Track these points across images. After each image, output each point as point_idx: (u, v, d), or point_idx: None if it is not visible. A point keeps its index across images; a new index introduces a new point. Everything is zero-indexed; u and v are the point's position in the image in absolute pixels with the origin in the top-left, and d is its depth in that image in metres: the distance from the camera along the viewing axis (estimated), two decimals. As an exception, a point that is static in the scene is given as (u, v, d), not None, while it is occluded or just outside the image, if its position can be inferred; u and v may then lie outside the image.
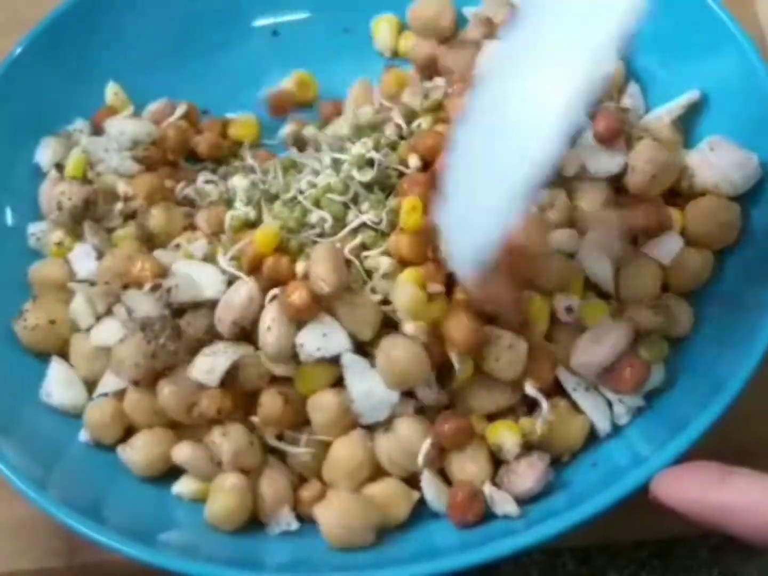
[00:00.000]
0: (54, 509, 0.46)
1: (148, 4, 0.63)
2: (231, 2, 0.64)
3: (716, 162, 0.52)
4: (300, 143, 0.59)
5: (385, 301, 0.48)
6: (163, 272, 0.51)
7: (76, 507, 0.46)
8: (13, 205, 0.58)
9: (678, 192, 0.53)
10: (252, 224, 0.52)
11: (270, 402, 0.48)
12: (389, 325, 0.48)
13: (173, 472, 0.50)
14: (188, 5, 0.63)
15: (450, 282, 0.48)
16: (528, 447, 0.47)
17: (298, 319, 0.47)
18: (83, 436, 0.51)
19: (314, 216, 0.50)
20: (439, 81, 0.57)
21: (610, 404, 0.49)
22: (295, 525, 0.48)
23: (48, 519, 0.46)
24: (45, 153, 0.59)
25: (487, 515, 0.46)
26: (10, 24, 0.64)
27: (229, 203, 0.54)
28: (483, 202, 0.41)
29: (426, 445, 0.47)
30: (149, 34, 0.62)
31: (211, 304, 0.49)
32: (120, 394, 0.51)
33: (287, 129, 0.60)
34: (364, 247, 0.50)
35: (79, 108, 0.61)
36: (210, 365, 0.48)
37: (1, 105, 0.59)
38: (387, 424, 0.48)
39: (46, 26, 0.61)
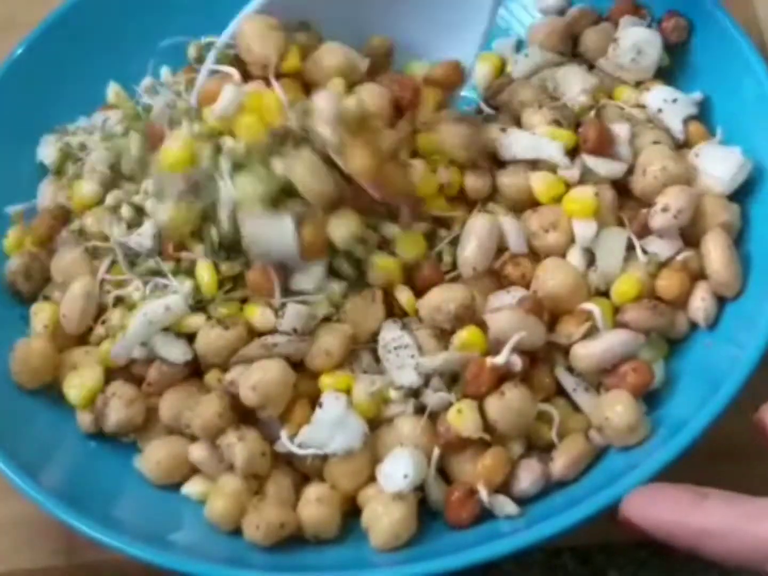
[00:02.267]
0: (56, 509, 0.46)
1: (149, 4, 0.63)
2: (230, 3, 0.64)
3: (703, 166, 0.52)
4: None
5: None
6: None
7: (79, 506, 0.46)
8: (17, 203, 0.58)
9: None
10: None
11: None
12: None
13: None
14: (189, 6, 0.63)
15: None
16: (530, 447, 0.48)
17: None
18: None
19: None
20: None
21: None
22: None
23: (48, 517, 0.46)
24: (47, 151, 0.59)
25: (488, 514, 0.46)
26: (8, 24, 0.64)
27: None
28: None
29: (436, 454, 0.47)
30: (150, 33, 0.62)
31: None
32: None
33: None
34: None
35: (83, 107, 0.61)
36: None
37: (3, 104, 0.59)
38: (388, 423, 0.48)
39: (48, 26, 0.61)
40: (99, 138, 0.57)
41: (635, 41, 0.55)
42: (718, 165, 0.51)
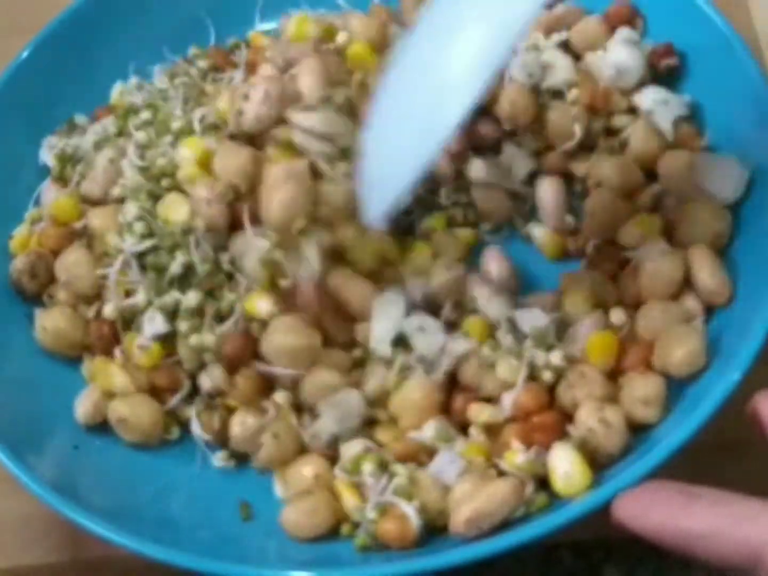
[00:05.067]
0: (58, 504, 0.46)
1: (154, 8, 0.63)
2: (235, 5, 0.64)
3: (700, 179, 0.52)
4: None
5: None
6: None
7: (82, 502, 0.47)
8: (23, 205, 0.59)
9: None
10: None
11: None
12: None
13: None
14: (193, 9, 0.63)
15: None
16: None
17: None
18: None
19: None
20: None
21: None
22: None
23: (52, 514, 0.46)
24: (49, 153, 0.59)
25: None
26: (11, 27, 0.65)
27: None
28: (399, 151, 0.44)
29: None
30: (155, 37, 0.63)
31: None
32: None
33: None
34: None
35: (89, 110, 0.62)
36: None
37: (10, 106, 0.59)
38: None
39: (53, 29, 0.61)
40: (93, 141, 0.57)
41: (617, 63, 0.56)
42: (717, 179, 0.52)
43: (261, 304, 0.50)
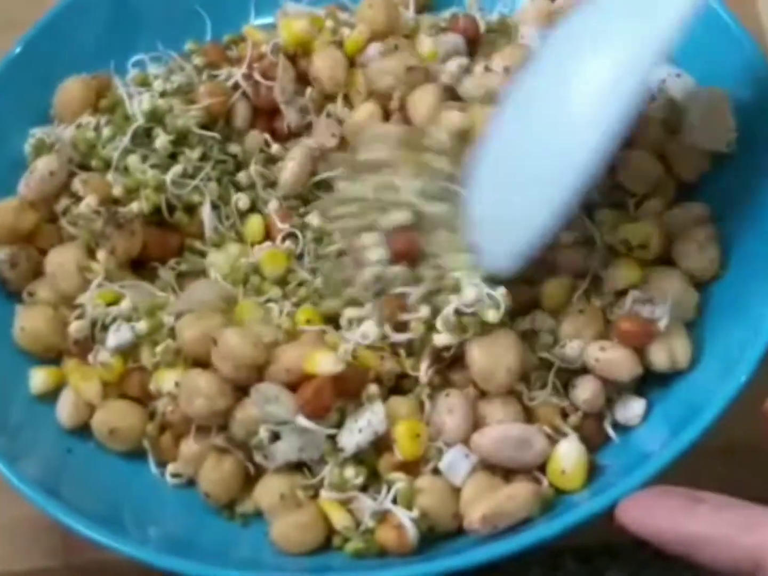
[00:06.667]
0: (56, 511, 0.46)
1: (149, 2, 0.63)
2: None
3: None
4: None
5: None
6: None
7: (78, 508, 0.46)
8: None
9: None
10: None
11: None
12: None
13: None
14: (189, 4, 0.63)
15: None
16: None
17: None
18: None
19: None
20: None
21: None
22: None
23: (45, 518, 0.46)
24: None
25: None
26: (4, 22, 0.64)
27: None
28: (520, 198, 0.41)
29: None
30: (151, 33, 0.62)
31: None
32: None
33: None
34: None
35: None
36: None
37: (1, 102, 0.59)
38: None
39: (45, 24, 0.61)
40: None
41: None
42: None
43: (166, 383, 0.49)
